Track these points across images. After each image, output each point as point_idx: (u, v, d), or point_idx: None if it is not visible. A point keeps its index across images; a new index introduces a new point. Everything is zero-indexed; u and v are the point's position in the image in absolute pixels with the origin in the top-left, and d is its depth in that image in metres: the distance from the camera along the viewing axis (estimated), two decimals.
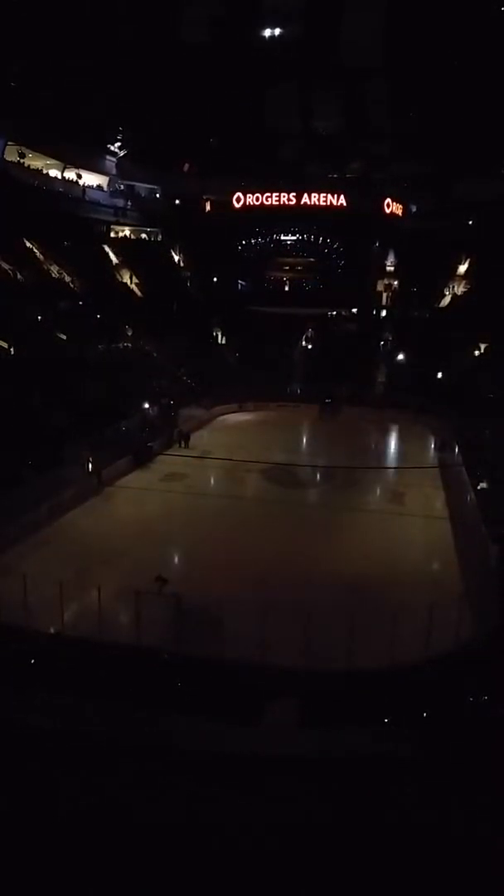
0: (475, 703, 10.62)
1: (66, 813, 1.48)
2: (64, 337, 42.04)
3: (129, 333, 47.23)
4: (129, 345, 46.31)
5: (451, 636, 15.15)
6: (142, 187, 56.55)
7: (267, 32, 32.92)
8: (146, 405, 36.89)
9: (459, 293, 49.81)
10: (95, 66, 42.58)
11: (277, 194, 30.07)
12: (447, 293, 50.22)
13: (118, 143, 53.23)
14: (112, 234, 55.08)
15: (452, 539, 23.18)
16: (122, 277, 51.48)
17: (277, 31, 33.11)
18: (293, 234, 48.45)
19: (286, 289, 52.85)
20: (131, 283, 51.23)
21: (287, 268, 52.76)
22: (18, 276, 40.66)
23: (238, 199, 30.78)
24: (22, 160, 44.07)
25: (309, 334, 51.61)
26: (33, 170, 45.99)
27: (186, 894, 1.35)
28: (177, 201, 55.58)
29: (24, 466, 25.75)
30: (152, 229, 57.56)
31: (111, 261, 52.61)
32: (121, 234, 56.23)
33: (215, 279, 54.60)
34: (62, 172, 49.21)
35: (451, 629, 15.16)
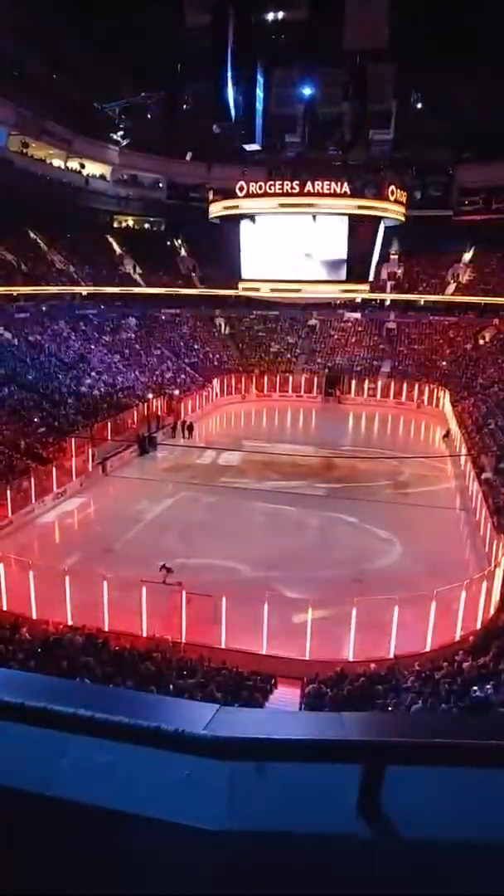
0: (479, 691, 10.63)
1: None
2: (67, 327, 42.06)
3: (133, 322, 47.18)
4: (133, 335, 46.29)
5: (454, 626, 15.19)
6: (145, 176, 56.15)
7: (270, 15, 32.25)
8: (150, 395, 36.91)
9: (464, 281, 49.47)
10: (101, 53, 42.06)
11: (281, 183, 29.67)
12: (451, 281, 49.87)
13: (121, 133, 52.76)
14: (115, 224, 54.84)
15: (458, 529, 23.19)
16: (125, 267, 51.34)
17: (281, 14, 32.46)
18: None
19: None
20: (134, 272, 51.09)
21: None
22: (22, 266, 40.63)
23: (241, 188, 30.39)
24: (25, 150, 43.80)
25: (313, 322, 51.39)
26: (37, 159, 45.70)
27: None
28: (179, 190, 55.18)
29: (29, 456, 25.86)
30: (155, 218, 57.27)
31: (114, 250, 52.45)
32: (124, 224, 55.97)
33: (218, 269, 54.27)
34: (65, 162, 48.90)
35: (454, 620, 15.20)
